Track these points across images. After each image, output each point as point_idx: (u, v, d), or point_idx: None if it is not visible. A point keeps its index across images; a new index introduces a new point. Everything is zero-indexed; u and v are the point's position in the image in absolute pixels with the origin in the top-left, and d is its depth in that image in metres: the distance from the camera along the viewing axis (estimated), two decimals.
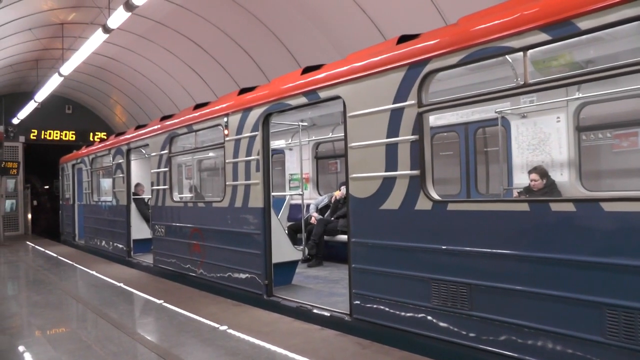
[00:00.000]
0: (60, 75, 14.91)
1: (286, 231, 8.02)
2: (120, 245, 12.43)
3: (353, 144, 5.53)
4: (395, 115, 5.02)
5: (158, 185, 10.09)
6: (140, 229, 12.07)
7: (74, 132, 23.51)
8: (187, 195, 12.49)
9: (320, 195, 10.82)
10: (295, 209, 10.62)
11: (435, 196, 4.75)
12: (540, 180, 6.60)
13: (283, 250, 7.24)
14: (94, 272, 10.19)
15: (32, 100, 18.33)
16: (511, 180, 7.56)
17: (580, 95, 6.47)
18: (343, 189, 8.65)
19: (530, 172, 6.76)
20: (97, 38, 11.79)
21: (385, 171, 5.14)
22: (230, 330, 5.58)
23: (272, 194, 7.18)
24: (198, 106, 9.09)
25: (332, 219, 9.24)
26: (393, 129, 5.05)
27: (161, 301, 7.18)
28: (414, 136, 4.86)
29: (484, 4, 5.27)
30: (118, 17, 10.34)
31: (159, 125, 10.22)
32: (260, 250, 7.03)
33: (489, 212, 4.36)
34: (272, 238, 7.02)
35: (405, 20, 9.99)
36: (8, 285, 9.86)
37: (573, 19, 3.70)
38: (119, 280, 8.97)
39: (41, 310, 7.07)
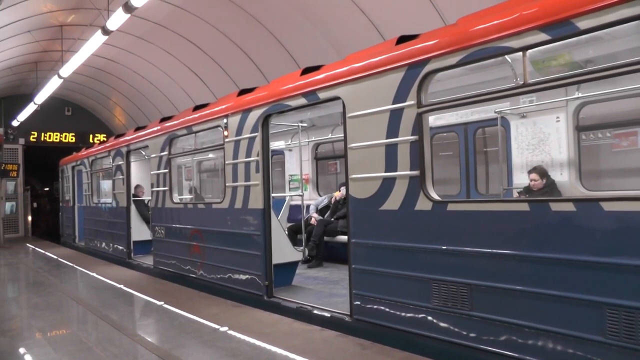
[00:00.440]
0: (59, 77, 14.91)
1: (286, 232, 8.02)
2: (121, 247, 12.42)
3: (353, 145, 5.53)
4: (395, 116, 5.02)
5: (158, 186, 10.09)
6: (140, 231, 12.07)
7: (73, 134, 23.52)
8: (187, 196, 12.49)
9: (320, 196, 10.81)
10: (295, 210, 10.62)
11: (435, 196, 4.75)
12: (540, 180, 6.60)
13: (283, 251, 7.24)
14: (94, 274, 10.19)
15: (32, 103, 18.33)
16: (511, 180, 7.56)
17: (580, 95, 6.47)
18: (343, 189, 8.65)
19: (530, 172, 6.76)
20: (97, 40, 11.79)
21: (385, 172, 5.14)
22: (230, 332, 5.58)
23: (272, 195, 7.18)
24: (197, 107, 9.09)
25: (332, 219, 9.23)
26: (393, 130, 5.05)
27: (161, 302, 7.18)
28: (413, 136, 4.86)
29: (482, 4, 5.27)
30: (117, 19, 10.34)
31: (158, 127, 10.23)
32: (260, 251, 7.03)
33: (488, 212, 4.37)
34: (272, 239, 7.02)
35: (404, 21, 9.99)
36: (8, 287, 9.85)
37: (572, 19, 3.70)
38: (119, 282, 8.97)
39: (42, 312, 7.07)
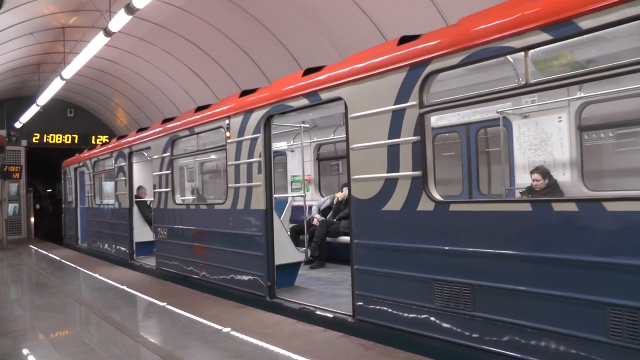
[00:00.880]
0: (62, 79, 14.93)
1: (288, 233, 8.02)
2: (123, 248, 12.44)
3: (355, 145, 5.53)
4: (397, 116, 5.02)
5: (160, 187, 10.10)
6: (142, 232, 12.08)
7: (76, 135, 23.55)
8: (189, 197, 12.50)
9: (322, 196, 10.82)
10: (297, 211, 10.61)
11: (438, 197, 4.75)
12: (542, 180, 6.60)
13: (285, 252, 7.25)
14: (96, 275, 10.20)
15: (34, 104, 18.35)
16: (513, 181, 7.55)
17: (582, 94, 6.47)
18: (345, 190, 8.65)
19: (532, 172, 6.75)
20: (99, 41, 11.81)
21: (387, 172, 5.14)
22: (233, 332, 5.59)
23: (274, 195, 7.18)
24: (200, 108, 9.10)
25: (335, 220, 9.24)
26: (395, 130, 5.05)
27: (164, 303, 7.19)
28: (415, 137, 4.85)
29: (484, 4, 5.27)
30: (119, 20, 10.36)
31: (160, 128, 10.24)
32: (262, 252, 7.03)
33: (491, 213, 4.36)
34: (275, 240, 7.02)
35: (406, 21, 9.99)
36: (11, 289, 9.87)
37: (574, 19, 3.69)
38: (121, 283, 8.98)
39: (44, 314, 7.08)
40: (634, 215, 3.43)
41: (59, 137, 23.21)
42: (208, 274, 8.38)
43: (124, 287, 8.64)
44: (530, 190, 6.76)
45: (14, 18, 13.30)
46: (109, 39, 11.51)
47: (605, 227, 3.60)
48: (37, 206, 26.25)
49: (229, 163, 7.77)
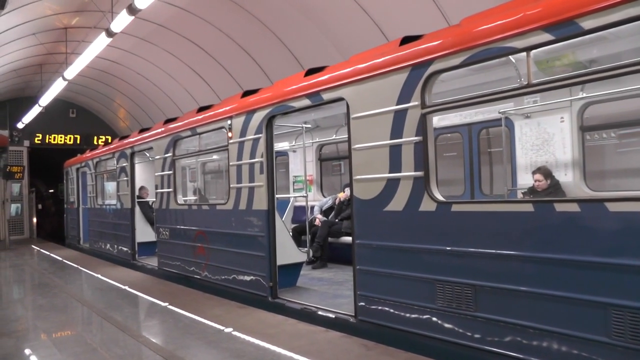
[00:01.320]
0: (64, 79, 14.95)
1: (290, 233, 8.02)
2: (125, 249, 12.45)
3: (357, 146, 5.53)
4: (399, 117, 5.02)
5: (162, 188, 10.11)
6: (144, 232, 12.08)
7: (78, 136, 23.59)
8: (191, 197, 12.51)
9: (324, 197, 10.83)
10: (299, 211, 10.62)
11: (440, 197, 4.75)
12: (544, 180, 6.59)
13: (287, 252, 7.25)
14: (98, 275, 10.21)
15: (37, 105, 18.37)
16: (515, 181, 7.55)
17: (584, 95, 6.46)
18: (347, 190, 8.66)
19: (534, 173, 6.75)
20: (101, 42, 11.83)
21: (389, 172, 5.14)
22: (235, 333, 5.59)
23: (276, 196, 7.18)
24: (202, 109, 9.11)
25: (337, 220, 9.24)
26: (397, 130, 5.05)
27: (166, 304, 7.19)
28: (417, 137, 4.85)
29: (486, 5, 5.27)
30: (121, 21, 10.37)
31: (162, 129, 10.25)
32: (264, 252, 7.03)
33: (493, 213, 4.36)
34: (277, 240, 7.03)
35: (407, 22, 9.99)
36: (14, 289, 9.89)
37: (576, 19, 3.69)
38: (123, 283, 8.99)
39: (47, 314, 7.09)
40: (636, 216, 3.43)
41: (61, 137, 23.25)
42: (210, 274, 8.38)
43: (126, 288, 8.65)
44: (532, 190, 6.76)
45: (16, 19, 13.33)
46: (111, 39, 11.52)
47: (608, 227, 3.60)
48: (40, 206, 26.31)
49: (231, 163, 7.78)
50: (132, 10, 9.57)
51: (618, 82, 5.60)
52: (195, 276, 8.81)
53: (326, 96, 6.02)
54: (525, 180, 7.19)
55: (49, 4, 13.38)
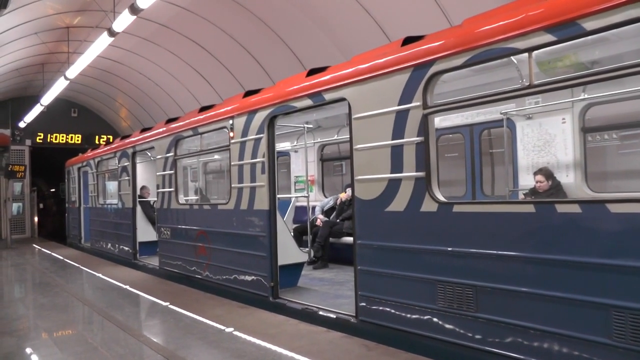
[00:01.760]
0: (66, 78, 14.97)
1: (292, 233, 8.02)
2: (126, 248, 12.46)
3: (358, 146, 5.54)
4: (401, 117, 5.02)
5: (164, 187, 10.12)
6: (146, 232, 12.09)
7: (79, 135, 23.62)
8: (192, 197, 12.51)
9: (326, 197, 10.82)
10: (300, 211, 10.62)
11: (441, 198, 4.75)
12: (545, 181, 6.59)
13: (289, 252, 7.25)
14: (100, 275, 10.22)
15: (38, 104, 18.40)
16: (517, 182, 7.55)
17: (586, 96, 6.46)
18: (348, 190, 8.65)
19: (535, 174, 6.74)
20: (103, 41, 11.83)
21: (391, 173, 5.14)
22: (236, 332, 5.59)
23: (278, 196, 7.18)
24: (203, 109, 9.11)
25: (338, 221, 9.24)
26: (398, 131, 5.05)
27: (167, 303, 7.20)
28: (419, 138, 4.85)
29: (488, 5, 5.27)
30: (123, 21, 10.38)
31: (164, 128, 10.26)
32: (265, 252, 7.04)
33: (494, 214, 4.36)
34: (278, 240, 7.03)
35: (410, 22, 9.99)
36: (15, 288, 9.90)
37: (578, 20, 3.69)
38: (125, 283, 9.00)
39: (48, 313, 7.10)
40: (637, 217, 3.43)
41: (62, 136, 23.28)
42: (211, 274, 8.38)
43: (127, 287, 8.66)
44: (533, 191, 6.75)
45: (18, 18, 13.34)
46: (113, 39, 11.53)
47: (609, 228, 3.59)
48: (41, 205, 26.34)
49: (232, 163, 7.78)
50: (134, 9, 9.58)
51: (620, 83, 5.60)
52: (197, 276, 8.82)
53: (328, 96, 6.03)
54: (527, 181, 7.19)
55: (51, 3, 13.39)
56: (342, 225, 8.99)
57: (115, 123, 24.90)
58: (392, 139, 5.12)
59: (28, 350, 5.46)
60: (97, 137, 23.74)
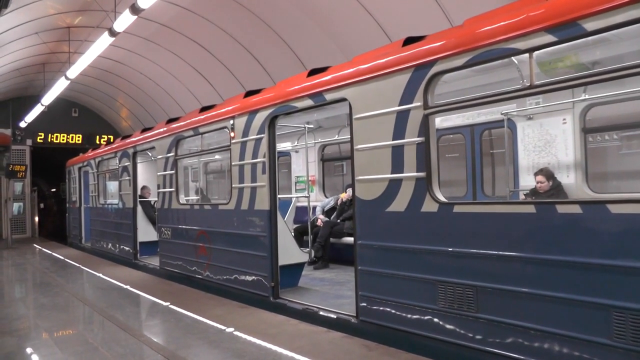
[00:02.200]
0: (66, 78, 14.97)
1: (292, 233, 8.02)
2: (127, 248, 12.46)
3: (359, 146, 5.54)
4: (401, 117, 5.02)
5: (164, 187, 10.12)
6: (146, 232, 12.10)
7: (80, 135, 23.63)
8: (193, 197, 12.52)
9: (327, 197, 10.83)
10: (301, 211, 10.62)
11: (442, 198, 4.75)
12: (546, 182, 6.59)
13: (289, 252, 7.25)
14: (100, 275, 10.23)
15: (39, 104, 18.40)
16: (517, 182, 7.55)
17: (587, 96, 6.46)
18: (349, 191, 8.65)
19: (536, 174, 6.75)
20: (103, 41, 11.83)
21: (392, 173, 5.14)
22: (236, 332, 5.59)
23: (278, 196, 7.19)
24: (204, 109, 9.12)
25: (339, 221, 9.24)
26: (399, 131, 5.05)
27: (167, 303, 7.20)
28: (419, 138, 4.85)
29: (489, 6, 5.27)
30: (124, 21, 10.38)
31: (165, 128, 10.26)
32: (266, 252, 7.04)
33: (495, 214, 4.36)
34: (278, 240, 7.03)
35: (411, 23, 9.99)
36: (16, 288, 9.90)
37: (579, 20, 3.69)
38: (125, 283, 9.00)
39: (48, 313, 7.10)
40: (638, 218, 3.42)
41: (63, 136, 23.28)
42: (212, 274, 8.39)
43: (128, 287, 8.66)
44: (534, 192, 6.76)
45: (19, 18, 13.35)
46: (113, 39, 11.53)
47: (609, 229, 3.59)
48: (42, 205, 26.35)
49: (233, 163, 7.78)
50: (135, 9, 9.58)
51: (621, 84, 5.60)
52: (197, 276, 8.82)
53: (329, 96, 6.03)
54: (528, 181, 7.19)
55: (51, 3, 13.40)
56: (342, 225, 8.99)
57: (116, 123, 24.90)
58: (393, 139, 5.12)
59: (28, 350, 5.46)
60: (97, 137, 23.75)
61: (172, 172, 9.76)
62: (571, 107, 6.71)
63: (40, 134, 22.62)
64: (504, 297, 4.20)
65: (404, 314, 5.02)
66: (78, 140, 23.58)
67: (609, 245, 3.58)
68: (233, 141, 7.75)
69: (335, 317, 5.92)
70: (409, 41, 5.22)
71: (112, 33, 11.06)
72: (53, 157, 23.74)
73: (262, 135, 7.11)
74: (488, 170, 8.62)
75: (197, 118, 8.96)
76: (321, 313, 6.12)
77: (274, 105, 6.94)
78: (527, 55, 4.05)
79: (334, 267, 8.96)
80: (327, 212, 9.82)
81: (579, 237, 3.74)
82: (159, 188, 10.40)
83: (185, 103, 18.57)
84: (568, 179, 6.77)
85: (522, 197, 7.21)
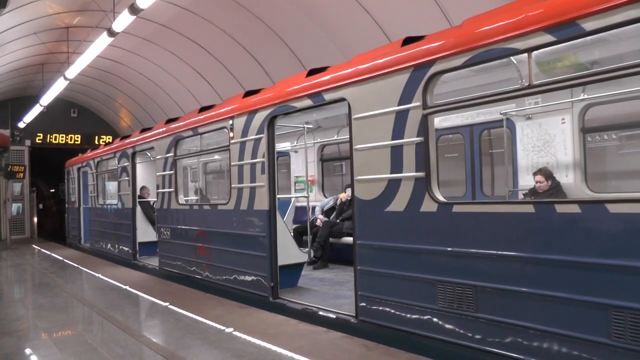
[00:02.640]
0: (65, 79, 14.97)
1: (292, 233, 8.02)
2: (126, 248, 12.46)
3: (358, 146, 5.54)
4: (400, 117, 5.02)
5: (163, 188, 10.12)
6: (145, 232, 12.09)
7: (79, 135, 23.63)
8: (192, 197, 12.52)
9: (326, 197, 10.82)
10: (300, 212, 10.62)
11: (441, 198, 4.75)
12: (545, 181, 6.59)
13: (289, 252, 7.25)
14: (99, 275, 10.22)
15: (38, 104, 18.39)
16: (516, 182, 7.55)
17: (585, 96, 6.46)
18: (348, 191, 8.65)
19: (535, 174, 6.75)
20: (102, 41, 11.84)
21: (391, 173, 5.14)
22: (236, 333, 5.60)
23: (278, 196, 7.19)
24: (203, 109, 9.11)
25: (338, 221, 9.24)
26: (398, 131, 5.05)
27: (167, 304, 7.20)
28: (419, 138, 4.85)
29: (488, 6, 5.27)
30: (123, 21, 10.38)
31: (164, 128, 10.25)
32: (265, 252, 7.04)
33: (494, 214, 4.36)
34: (278, 240, 7.03)
35: (410, 22, 10.00)
36: (15, 288, 9.90)
37: (578, 20, 3.69)
38: (124, 283, 9.00)
39: (47, 313, 7.10)
40: (636, 217, 3.43)
41: (62, 137, 23.28)
42: (211, 274, 8.38)
43: (127, 287, 8.66)
44: (533, 191, 6.76)
45: (18, 18, 13.34)
46: (112, 39, 11.54)
47: (608, 228, 3.60)
48: (41, 206, 26.31)
49: (232, 163, 7.78)
50: (133, 9, 9.59)
51: (619, 83, 5.60)
52: (197, 276, 8.82)
53: (328, 96, 6.03)
54: (527, 181, 7.19)
55: (50, 3, 13.40)
56: (342, 225, 8.99)
57: (115, 123, 24.89)
58: (392, 139, 5.12)
59: (28, 350, 5.46)
60: (96, 137, 23.75)
61: (172, 172, 9.75)
62: (570, 107, 6.71)
63: (39, 134, 22.61)
64: (503, 296, 4.20)
65: (403, 314, 5.02)
66: (77, 140, 23.57)
67: (607, 244, 3.59)
68: (232, 141, 7.75)
69: (334, 317, 5.92)
70: (408, 41, 5.22)
71: (111, 33, 11.07)
72: (52, 158, 23.72)
73: (262, 135, 7.11)
74: (487, 170, 8.63)
75: (196, 118, 8.95)
76: (321, 313, 6.12)
77: (273, 105, 6.94)
78: (526, 55, 4.06)
79: (333, 267, 8.96)
80: (327, 212, 9.82)
81: (578, 237, 3.74)
82: (158, 188, 10.39)
83: (185, 103, 18.56)
84: (567, 178, 6.77)
85: (521, 196, 7.21)
